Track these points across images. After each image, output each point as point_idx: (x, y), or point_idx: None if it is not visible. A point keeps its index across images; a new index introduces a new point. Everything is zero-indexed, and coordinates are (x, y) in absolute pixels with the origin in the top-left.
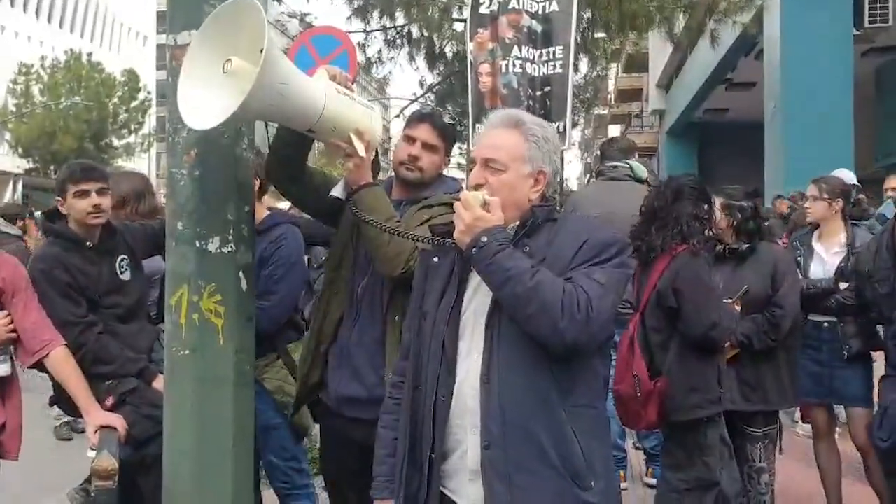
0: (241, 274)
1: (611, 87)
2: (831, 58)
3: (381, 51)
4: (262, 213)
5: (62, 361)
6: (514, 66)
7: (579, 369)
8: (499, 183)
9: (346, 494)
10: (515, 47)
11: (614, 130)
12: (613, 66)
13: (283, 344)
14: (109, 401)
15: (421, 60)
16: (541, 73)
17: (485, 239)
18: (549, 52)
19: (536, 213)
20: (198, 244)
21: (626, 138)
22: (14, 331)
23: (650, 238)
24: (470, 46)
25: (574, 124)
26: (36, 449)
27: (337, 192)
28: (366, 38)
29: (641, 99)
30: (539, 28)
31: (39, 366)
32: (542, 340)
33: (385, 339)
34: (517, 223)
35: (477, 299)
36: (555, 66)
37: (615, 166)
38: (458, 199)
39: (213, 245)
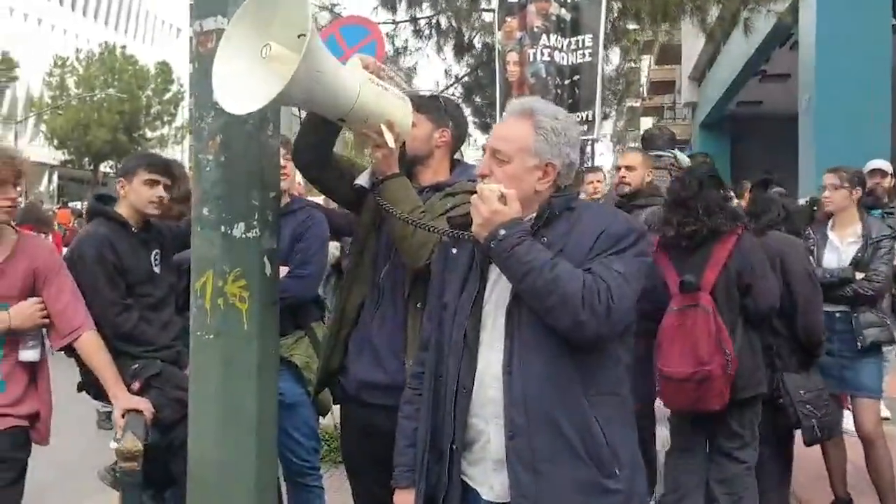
0: (265, 259)
1: (643, 79)
2: (868, 48)
3: (408, 41)
4: (284, 197)
5: (92, 346)
6: (542, 54)
7: (601, 357)
8: (503, 174)
9: (367, 482)
10: (544, 36)
11: (646, 123)
12: (646, 57)
13: (309, 322)
14: (136, 385)
15: (449, 51)
16: (569, 62)
17: (503, 232)
18: (577, 41)
19: (553, 203)
20: (223, 229)
21: (667, 128)
22: (47, 316)
23: (703, 222)
24: (498, 36)
25: (605, 116)
26: (80, 428)
27: (362, 180)
28: (395, 29)
29: (674, 91)
30: (568, 16)
31: (68, 349)
32: (563, 332)
33: (406, 326)
34: (534, 214)
35: (498, 290)
36: (584, 55)
37: (660, 156)
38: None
39: (238, 230)
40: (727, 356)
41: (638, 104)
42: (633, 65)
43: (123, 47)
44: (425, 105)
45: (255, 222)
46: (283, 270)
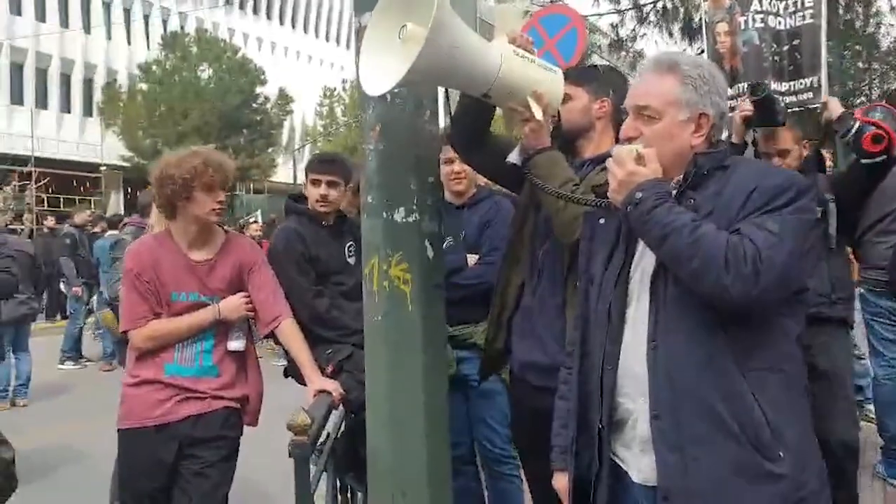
0: (426, 242)
1: None
2: None
3: (634, 29)
4: (470, 188)
5: (290, 332)
6: (754, 20)
7: (760, 329)
8: (653, 133)
9: (538, 464)
10: (755, 0)
11: None
12: None
13: None
14: (329, 368)
15: (676, 34)
16: (787, 26)
17: (639, 195)
18: (795, 2)
19: (700, 162)
20: (385, 215)
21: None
22: (252, 309)
23: None
24: (705, 6)
25: (885, 94)
26: None
27: (513, 157)
28: (621, 18)
29: None
30: None
31: (274, 337)
32: (708, 299)
33: (566, 305)
34: (681, 176)
35: (645, 260)
36: (804, 17)
37: None
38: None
39: (399, 215)
40: None
41: None
42: None
43: None
44: (582, 76)
45: (414, 206)
46: (473, 259)
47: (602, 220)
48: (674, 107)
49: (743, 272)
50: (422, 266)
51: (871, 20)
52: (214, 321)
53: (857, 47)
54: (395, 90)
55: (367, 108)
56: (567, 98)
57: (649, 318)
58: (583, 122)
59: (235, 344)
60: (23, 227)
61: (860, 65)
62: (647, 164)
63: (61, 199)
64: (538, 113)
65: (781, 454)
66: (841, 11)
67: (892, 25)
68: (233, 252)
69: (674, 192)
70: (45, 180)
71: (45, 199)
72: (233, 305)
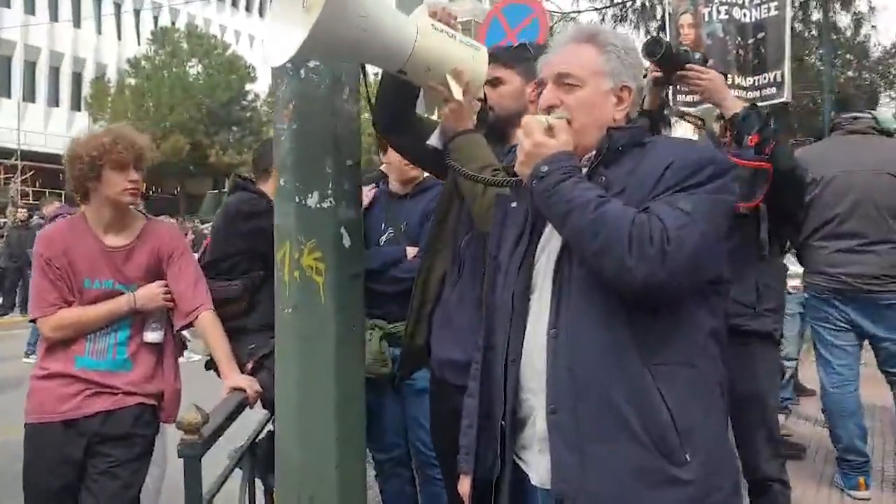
0: (342, 230)
1: None
2: None
3: (615, 27)
4: (419, 174)
5: (209, 324)
6: (718, 12)
7: (670, 319)
8: (576, 101)
9: (452, 464)
10: None
11: None
12: None
13: None
14: (249, 364)
15: (653, 32)
16: (752, 18)
17: (545, 168)
18: None
19: (614, 136)
20: (297, 199)
21: (870, 86)
22: (171, 299)
23: None
24: None
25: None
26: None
27: (433, 140)
28: (602, 17)
29: None
30: None
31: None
32: (609, 281)
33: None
34: (594, 152)
35: (552, 243)
36: (769, 9)
37: (856, 118)
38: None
39: (313, 200)
40: None
41: None
42: None
43: (375, 74)
44: (513, 57)
45: (329, 191)
46: (413, 251)
47: (514, 204)
48: (597, 76)
49: (648, 253)
50: (337, 255)
51: (861, 30)
52: (129, 311)
53: (848, 56)
54: (311, 65)
55: (280, 83)
56: (498, 82)
57: (551, 304)
58: (516, 106)
59: (152, 336)
60: (5, 219)
61: (850, 73)
62: (556, 136)
63: (47, 193)
64: (457, 91)
65: (688, 457)
66: (827, 15)
67: (874, 27)
68: (151, 238)
69: (584, 168)
70: (31, 173)
71: (31, 192)
72: (149, 294)
